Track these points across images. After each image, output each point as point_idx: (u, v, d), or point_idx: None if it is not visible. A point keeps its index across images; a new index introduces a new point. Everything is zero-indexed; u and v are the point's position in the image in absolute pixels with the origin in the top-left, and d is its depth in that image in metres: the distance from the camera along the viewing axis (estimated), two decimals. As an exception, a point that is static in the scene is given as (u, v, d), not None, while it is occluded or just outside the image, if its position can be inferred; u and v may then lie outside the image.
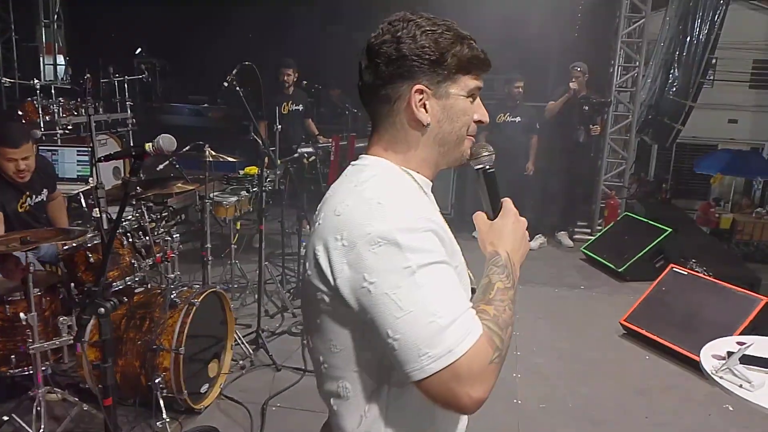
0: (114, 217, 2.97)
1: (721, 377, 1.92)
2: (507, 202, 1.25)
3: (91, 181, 2.88)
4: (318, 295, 1.09)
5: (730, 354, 1.96)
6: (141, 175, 5.55)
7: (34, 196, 3.60)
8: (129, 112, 6.16)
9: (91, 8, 9.11)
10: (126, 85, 6.25)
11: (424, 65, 1.12)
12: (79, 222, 4.42)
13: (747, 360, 1.96)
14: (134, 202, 3.36)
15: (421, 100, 1.13)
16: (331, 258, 1.04)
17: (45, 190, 3.68)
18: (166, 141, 1.89)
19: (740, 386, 1.88)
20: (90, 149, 4.49)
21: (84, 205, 3.92)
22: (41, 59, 9.19)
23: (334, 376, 1.15)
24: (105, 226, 2.62)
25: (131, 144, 5.62)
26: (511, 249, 1.18)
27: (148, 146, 1.88)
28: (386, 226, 1.00)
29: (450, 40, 1.13)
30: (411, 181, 1.16)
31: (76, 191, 4.24)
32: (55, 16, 9.22)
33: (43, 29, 9.16)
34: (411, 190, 1.14)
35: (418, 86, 1.12)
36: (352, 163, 1.22)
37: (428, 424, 1.17)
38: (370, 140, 1.22)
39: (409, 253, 0.99)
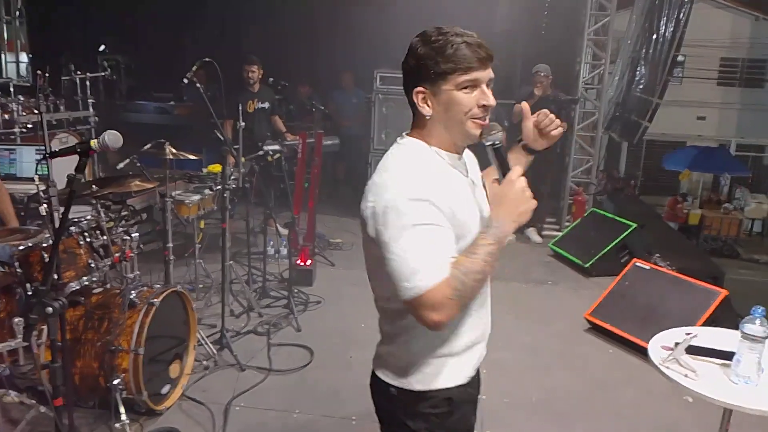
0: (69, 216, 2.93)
1: (667, 367, 1.95)
2: (513, 171, 1.53)
3: (37, 180, 2.79)
4: (367, 241, 1.54)
5: (677, 344, 1.99)
6: (100, 174, 5.48)
7: None
8: (91, 109, 6.04)
9: (53, 4, 8.94)
10: (88, 83, 6.13)
11: (422, 72, 1.51)
12: (39, 222, 4.33)
13: (693, 350, 2.00)
14: (92, 202, 3.30)
15: (423, 98, 1.53)
16: (366, 215, 1.50)
17: None
18: (112, 138, 1.86)
19: (685, 376, 1.91)
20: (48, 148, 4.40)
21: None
22: (2, 56, 8.99)
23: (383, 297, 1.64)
24: (57, 225, 2.57)
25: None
26: (505, 211, 1.49)
27: (94, 143, 1.85)
28: (395, 194, 1.45)
29: (441, 46, 1.47)
30: (434, 156, 1.55)
31: (35, 190, 4.17)
32: (17, 13, 9.02)
33: (5, 26, 8.97)
34: (426, 165, 1.52)
35: (418, 89, 1.53)
36: (396, 140, 1.63)
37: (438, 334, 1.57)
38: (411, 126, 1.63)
39: (405, 216, 1.42)
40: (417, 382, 1.61)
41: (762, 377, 1.90)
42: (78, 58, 6.91)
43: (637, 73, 9.02)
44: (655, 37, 8.53)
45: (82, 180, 3.21)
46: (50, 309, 1.97)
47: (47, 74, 5.77)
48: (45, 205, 2.66)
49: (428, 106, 1.52)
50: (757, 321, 1.83)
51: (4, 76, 8.35)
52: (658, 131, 13.28)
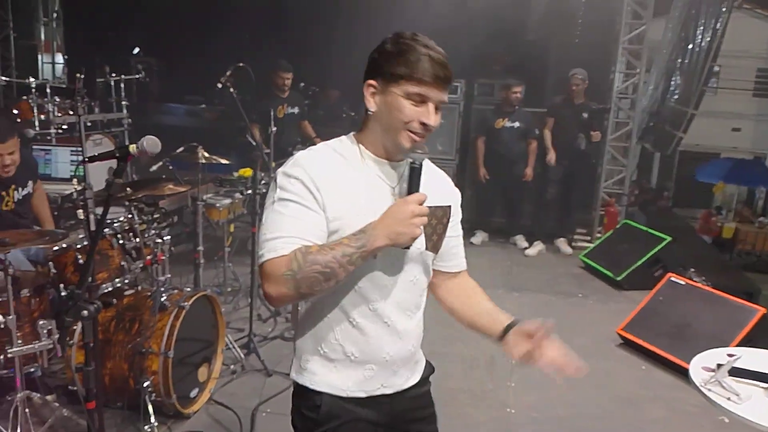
0: (86, 221, 2.96)
1: (709, 389, 1.89)
2: (413, 195, 1.48)
3: (74, 182, 2.82)
4: None
5: (719, 366, 1.93)
6: (133, 176, 5.55)
7: (20, 189, 3.57)
8: (125, 111, 6.12)
9: (90, 7, 9.10)
10: (122, 85, 6.21)
11: (380, 67, 1.50)
12: (72, 222, 4.39)
13: (736, 372, 1.92)
14: (125, 204, 3.33)
15: (372, 93, 1.53)
16: None
17: (30, 182, 3.65)
18: (150, 143, 1.86)
19: (728, 399, 1.85)
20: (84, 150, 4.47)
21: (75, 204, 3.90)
22: (39, 57, 9.17)
23: None
24: (92, 228, 2.59)
25: (126, 144, 5.59)
26: (382, 224, 1.43)
27: (132, 148, 1.85)
28: (280, 170, 1.52)
29: (405, 50, 1.47)
30: (354, 154, 1.56)
31: (70, 191, 4.23)
32: (54, 14, 9.20)
33: (42, 27, 9.14)
34: (333, 154, 1.55)
35: (370, 81, 1.53)
36: None
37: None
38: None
39: (278, 188, 1.50)
40: (295, 370, 1.65)
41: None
42: (112, 60, 7.01)
43: (672, 83, 8.83)
44: (691, 46, 8.36)
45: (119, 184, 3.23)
46: (86, 312, 1.98)
47: (83, 76, 5.85)
48: (81, 210, 2.67)
49: (374, 102, 1.52)
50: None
51: (40, 77, 8.49)
52: (691, 142, 13.06)
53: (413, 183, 1.49)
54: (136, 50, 9.51)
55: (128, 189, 3.28)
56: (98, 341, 2.53)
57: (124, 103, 6.08)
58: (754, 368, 1.99)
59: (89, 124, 5.69)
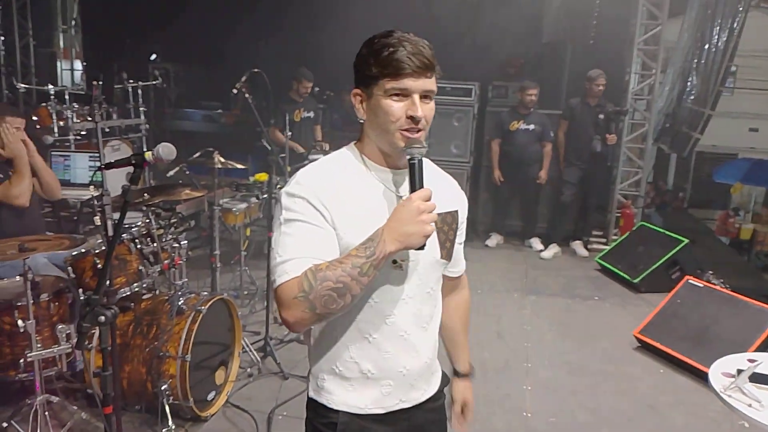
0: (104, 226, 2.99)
1: (729, 396, 1.86)
2: (420, 191, 1.41)
3: (92, 189, 2.86)
4: None
5: (740, 372, 1.90)
6: (151, 181, 5.60)
7: None
8: (142, 117, 6.19)
9: (107, 14, 9.21)
10: (140, 91, 6.28)
11: (359, 73, 1.48)
12: (91, 227, 4.45)
13: (757, 378, 1.90)
14: (143, 209, 3.37)
15: (360, 101, 1.49)
16: None
17: None
18: (165, 150, 1.88)
19: (749, 405, 1.82)
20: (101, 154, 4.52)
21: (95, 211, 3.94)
22: (58, 64, 9.30)
23: None
24: (110, 233, 2.62)
25: (143, 149, 5.65)
26: (389, 228, 1.38)
27: (148, 155, 1.87)
28: (284, 190, 1.48)
29: (378, 49, 1.42)
30: (356, 164, 1.52)
31: (88, 196, 4.29)
32: (73, 22, 9.33)
33: (61, 35, 9.27)
34: (334, 167, 1.51)
35: (355, 90, 1.50)
36: None
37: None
38: None
39: (282, 210, 1.45)
40: (312, 389, 1.61)
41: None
42: (130, 67, 7.10)
43: (689, 83, 8.76)
44: (707, 46, 8.29)
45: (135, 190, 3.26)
46: (102, 318, 2.00)
47: (101, 82, 5.93)
48: (98, 215, 2.70)
49: (363, 109, 1.49)
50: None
51: (59, 84, 8.62)
52: (708, 143, 12.91)
53: (415, 179, 1.41)
54: (153, 56, 9.61)
55: (146, 194, 3.32)
56: (116, 346, 2.58)
57: (141, 108, 6.14)
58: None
59: (107, 130, 5.77)
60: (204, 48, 9.19)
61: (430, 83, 1.43)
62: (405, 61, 1.39)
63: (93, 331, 3.28)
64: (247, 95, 3.91)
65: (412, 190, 1.42)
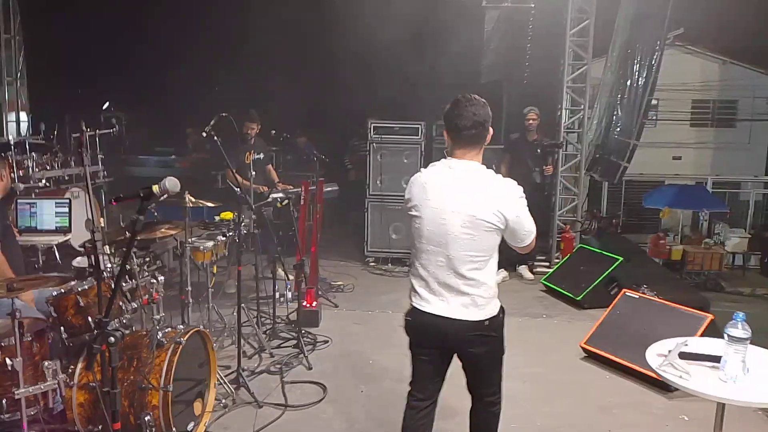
0: (93, 265, 3.16)
1: (664, 371, 2.21)
2: None
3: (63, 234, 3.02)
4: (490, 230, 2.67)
5: (670, 352, 2.25)
6: (121, 223, 5.70)
7: None
8: (100, 165, 6.29)
9: (54, 65, 9.27)
10: (97, 139, 6.38)
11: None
12: (60, 274, 4.51)
13: (685, 356, 2.25)
14: (122, 249, 3.53)
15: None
16: (503, 209, 2.64)
17: None
18: (171, 182, 2.12)
19: (680, 377, 2.17)
20: (68, 200, 4.65)
21: (57, 256, 4.06)
22: (3, 116, 9.26)
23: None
24: (101, 268, 2.79)
25: (103, 196, 5.76)
26: None
27: (156, 188, 2.10)
28: (518, 193, 2.68)
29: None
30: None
31: (56, 241, 4.40)
32: (18, 74, 9.35)
33: (6, 87, 9.27)
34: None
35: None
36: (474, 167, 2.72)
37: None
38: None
39: (520, 198, 2.66)
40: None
41: (747, 376, 2.16)
42: (81, 116, 7.18)
43: (614, 117, 9.45)
44: (629, 83, 9.01)
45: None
46: (112, 338, 2.19)
47: (56, 132, 6.04)
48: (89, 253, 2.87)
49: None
50: (739, 325, 2.10)
51: (5, 135, 8.59)
52: (636, 172, 13.77)
53: None
54: (106, 105, 9.70)
55: (127, 233, 3.49)
56: (116, 369, 2.72)
57: (100, 156, 6.25)
58: (699, 352, 2.33)
59: (66, 177, 5.85)
60: (155, 95, 9.34)
61: None
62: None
63: (74, 368, 3.39)
64: (215, 138, 4.14)
65: None
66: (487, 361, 2.74)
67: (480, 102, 2.62)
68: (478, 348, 2.64)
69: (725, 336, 2.14)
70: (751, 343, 2.15)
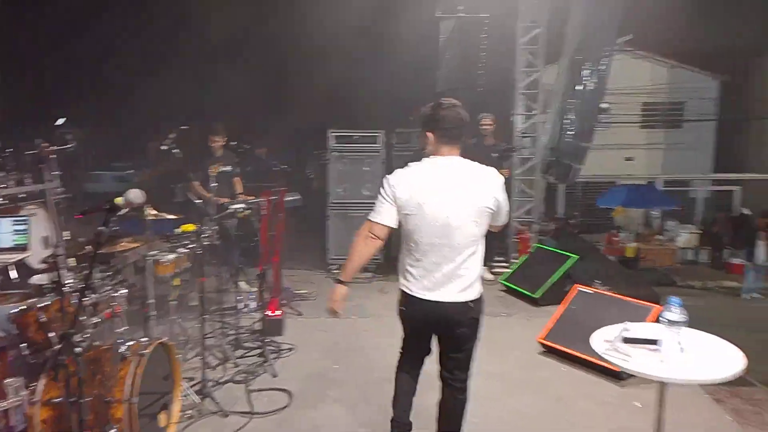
0: (55, 280, 3.17)
1: (609, 354, 2.36)
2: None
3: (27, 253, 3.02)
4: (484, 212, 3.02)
5: (614, 337, 2.41)
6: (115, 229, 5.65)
7: None
8: (58, 181, 6.20)
9: (5, 83, 9.13)
10: (54, 156, 6.28)
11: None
12: (15, 292, 4.46)
13: (628, 340, 2.41)
14: (84, 263, 3.53)
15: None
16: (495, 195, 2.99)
17: None
18: (134, 194, 2.18)
19: (623, 359, 2.32)
20: (26, 218, 4.60)
21: (15, 276, 4.03)
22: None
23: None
24: (63, 282, 2.81)
25: (60, 214, 5.67)
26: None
27: (119, 200, 2.16)
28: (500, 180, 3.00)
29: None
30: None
31: (14, 259, 4.35)
32: (-31, 92, 9.16)
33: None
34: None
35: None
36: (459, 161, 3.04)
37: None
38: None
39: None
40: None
41: (683, 355, 2.32)
42: (35, 133, 7.07)
43: (567, 121, 9.73)
44: (580, 87, 9.30)
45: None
46: (79, 349, 2.24)
47: (48, 144, 5.96)
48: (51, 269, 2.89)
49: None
50: (673, 308, 2.26)
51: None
52: (590, 173, 14.16)
53: None
54: (61, 121, 9.53)
55: (87, 247, 3.50)
56: (82, 380, 2.74)
57: (56, 173, 6.15)
58: (640, 336, 2.50)
59: (23, 195, 5.75)
60: (111, 111, 9.27)
61: None
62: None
63: (35, 386, 3.37)
64: (175, 151, 4.18)
65: None
66: (470, 343, 3.09)
67: (459, 104, 3.00)
68: (464, 329, 2.99)
69: (660, 319, 2.29)
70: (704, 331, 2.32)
